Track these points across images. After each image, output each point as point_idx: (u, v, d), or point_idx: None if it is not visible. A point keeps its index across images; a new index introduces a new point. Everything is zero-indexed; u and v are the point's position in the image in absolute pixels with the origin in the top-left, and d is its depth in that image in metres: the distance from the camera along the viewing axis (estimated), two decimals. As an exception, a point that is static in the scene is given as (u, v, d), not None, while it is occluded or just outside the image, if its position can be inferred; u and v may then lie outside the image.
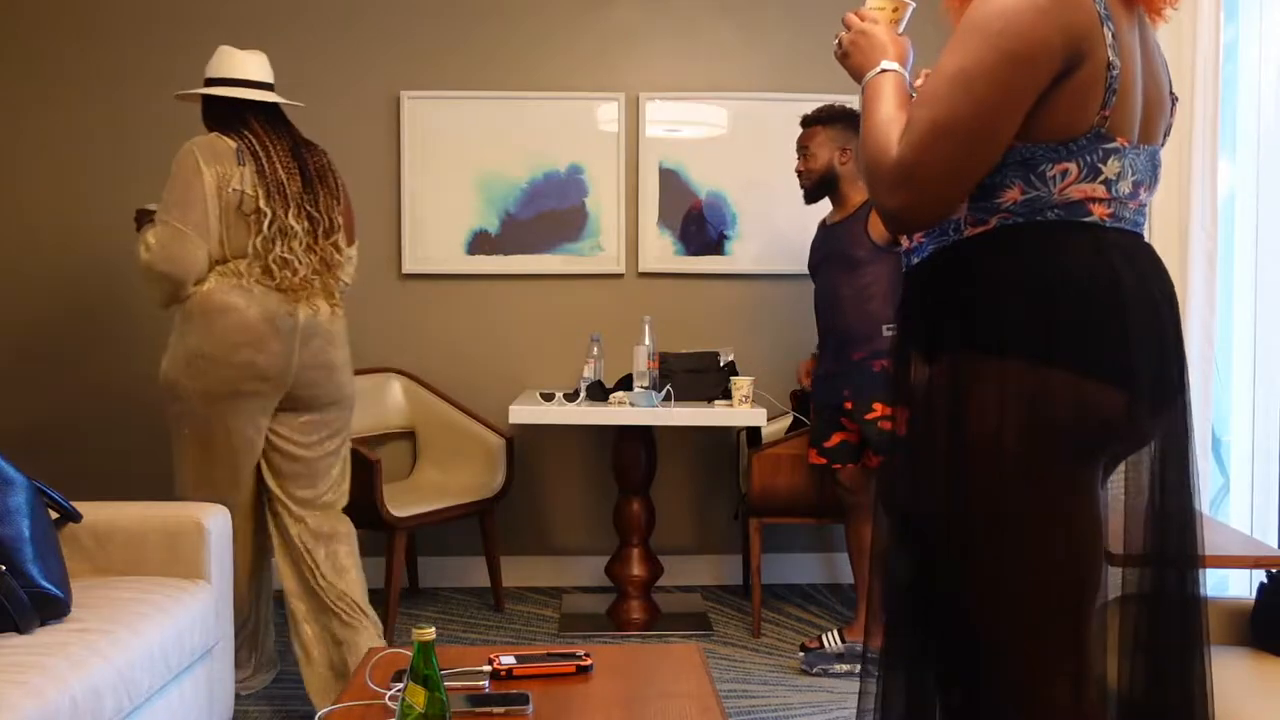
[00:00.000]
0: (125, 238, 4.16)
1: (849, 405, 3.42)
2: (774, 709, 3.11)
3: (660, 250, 4.26)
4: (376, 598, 3.96)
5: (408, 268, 4.23)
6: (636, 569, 3.84)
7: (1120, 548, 1.62)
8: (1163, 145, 1.62)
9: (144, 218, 2.96)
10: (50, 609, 2.22)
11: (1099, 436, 1.49)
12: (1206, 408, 3.16)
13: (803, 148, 3.55)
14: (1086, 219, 1.50)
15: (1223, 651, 2.08)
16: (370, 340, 4.23)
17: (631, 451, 3.82)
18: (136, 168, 4.18)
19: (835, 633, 3.49)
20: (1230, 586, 3.03)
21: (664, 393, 3.62)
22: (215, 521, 2.70)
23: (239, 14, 4.17)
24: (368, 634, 2.94)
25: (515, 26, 4.22)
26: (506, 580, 4.07)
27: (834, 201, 3.58)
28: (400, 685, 1.72)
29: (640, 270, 4.27)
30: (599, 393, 3.69)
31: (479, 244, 4.23)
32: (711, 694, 2.03)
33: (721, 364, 3.83)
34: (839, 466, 3.49)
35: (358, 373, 4.11)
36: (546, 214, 4.24)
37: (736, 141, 4.26)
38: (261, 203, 2.78)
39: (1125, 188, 1.52)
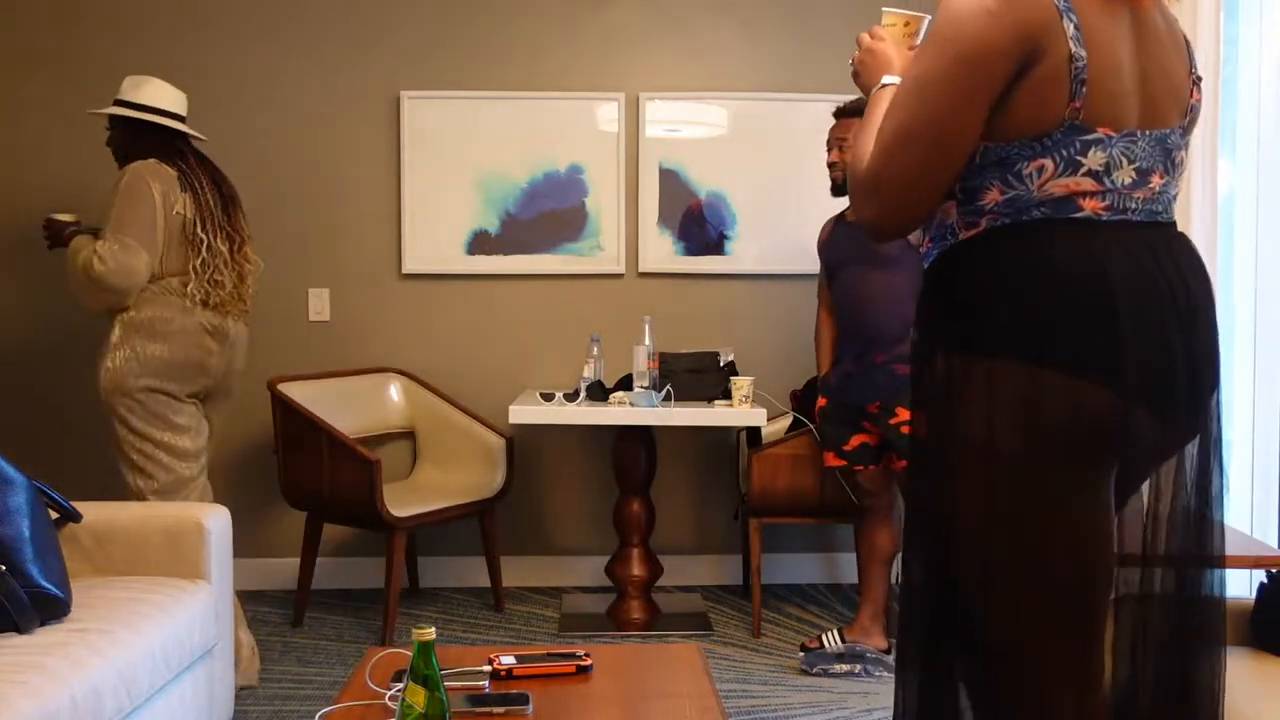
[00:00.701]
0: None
1: (873, 409, 3.40)
2: (774, 709, 3.11)
3: (660, 250, 4.26)
4: (376, 597, 3.97)
5: (408, 268, 4.23)
6: (636, 569, 3.83)
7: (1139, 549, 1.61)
8: (1185, 127, 1.58)
9: (62, 229, 3.26)
10: (50, 609, 2.22)
11: (1092, 437, 1.46)
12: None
13: (839, 140, 3.46)
14: (1076, 215, 1.48)
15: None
16: (370, 340, 4.24)
17: (631, 451, 3.82)
18: (136, 168, 4.18)
19: (835, 633, 3.49)
20: (1230, 586, 3.02)
21: (664, 393, 3.62)
22: (215, 521, 2.70)
23: (239, 14, 4.17)
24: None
25: (515, 26, 4.22)
26: (506, 580, 4.07)
27: None
28: (400, 685, 1.72)
29: (640, 270, 4.27)
30: (599, 393, 3.69)
31: (479, 244, 4.23)
32: (711, 694, 2.03)
33: (721, 364, 3.83)
34: (861, 469, 3.49)
35: (358, 373, 4.14)
36: (546, 214, 4.24)
37: (736, 141, 4.26)
38: (199, 229, 3.12)
39: (1124, 177, 1.50)
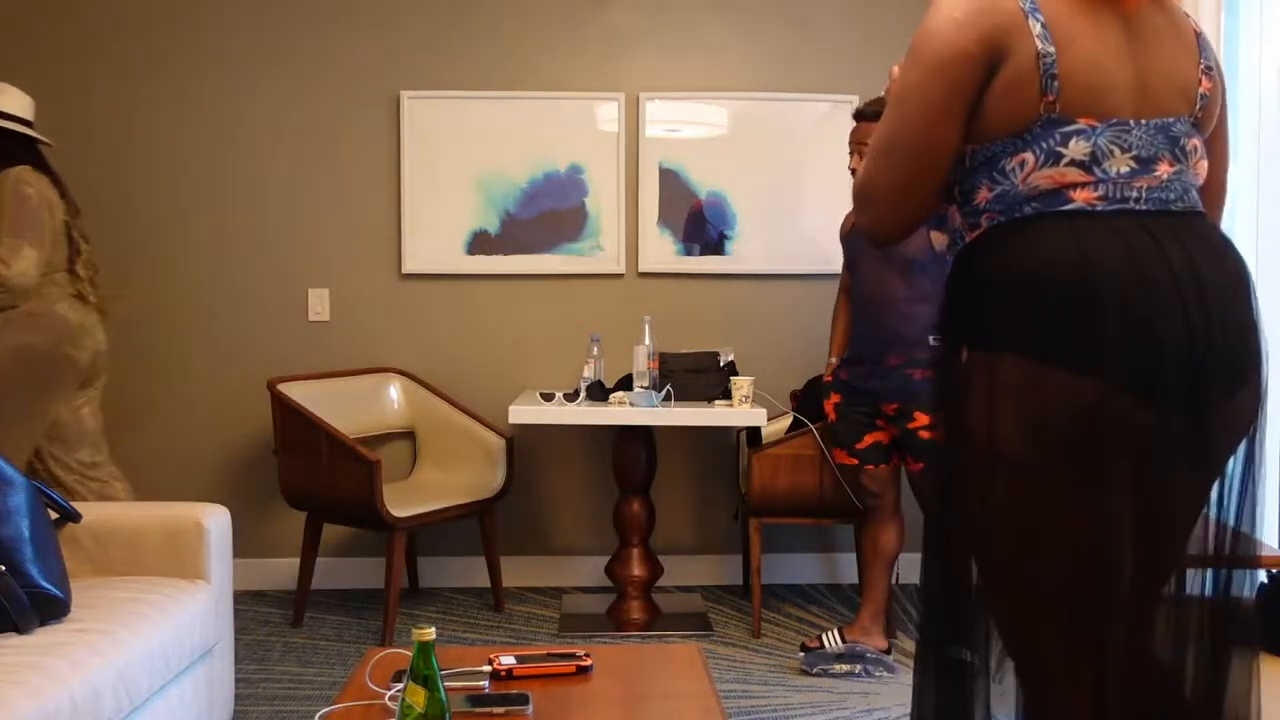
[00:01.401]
0: (124, 237, 4.18)
1: (890, 409, 3.39)
2: (774, 709, 3.11)
3: (660, 250, 4.26)
4: (376, 597, 3.97)
5: (408, 268, 4.23)
6: (636, 569, 3.83)
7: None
8: (1198, 117, 1.58)
9: None
10: (50, 609, 2.22)
11: (1088, 432, 1.45)
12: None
13: (859, 144, 3.41)
14: (1065, 207, 1.51)
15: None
16: (370, 340, 4.24)
17: (631, 451, 3.82)
18: (138, 169, 4.18)
19: (835, 632, 3.49)
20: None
21: (664, 393, 3.62)
22: (215, 521, 2.70)
23: (238, 15, 4.16)
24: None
25: (515, 26, 4.22)
26: (506, 580, 4.07)
27: None
28: (400, 685, 1.72)
29: (640, 270, 4.27)
30: (599, 393, 3.69)
31: (479, 244, 4.23)
32: (711, 694, 2.03)
33: (721, 364, 3.83)
34: (870, 468, 3.49)
35: (358, 373, 4.13)
36: (546, 214, 4.24)
37: (736, 141, 4.26)
38: (74, 230, 3.39)
39: (1119, 166, 1.50)
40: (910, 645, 3.63)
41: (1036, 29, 1.49)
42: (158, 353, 4.21)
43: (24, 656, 2.02)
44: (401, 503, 3.61)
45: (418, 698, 1.65)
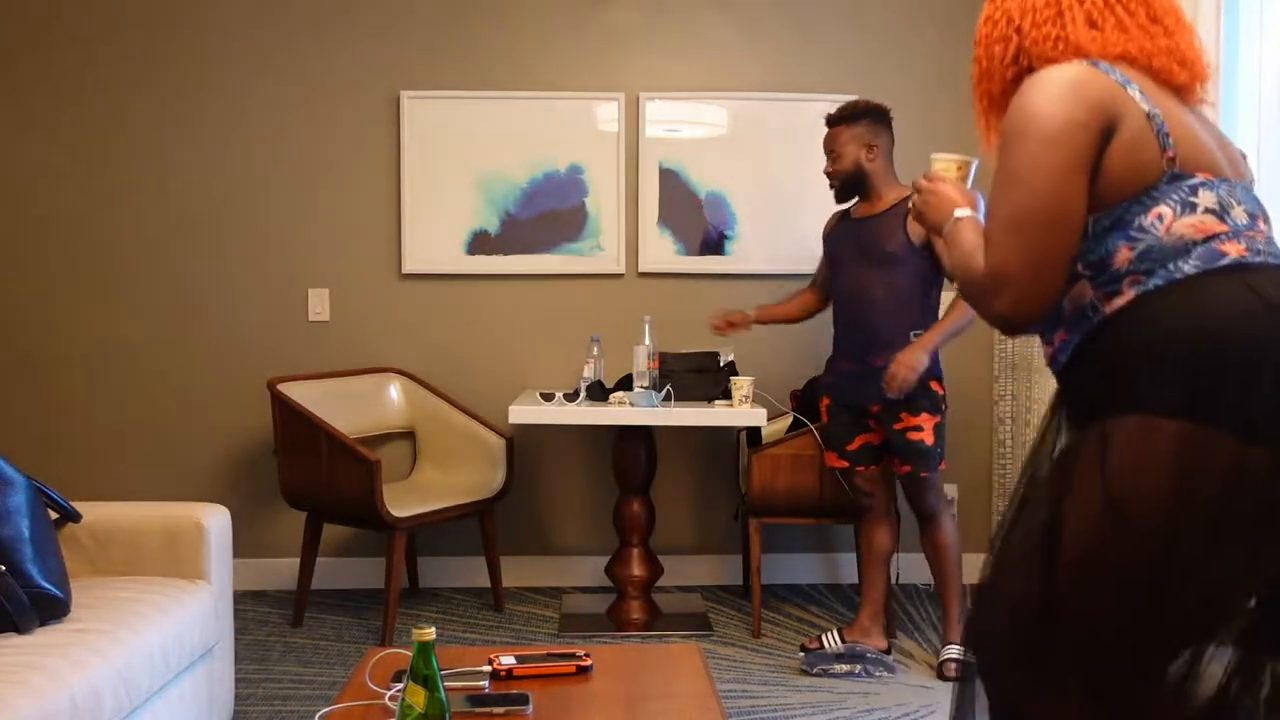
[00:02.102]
0: (125, 238, 4.18)
1: (875, 409, 3.40)
2: (774, 709, 3.11)
3: (660, 250, 4.26)
4: (376, 597, 3.97)
5: (408, 268, 4.23)
6: (636, 569, 3.83)
7: None
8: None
9: None
10: (50, 609, 2.22)
11: (1243, 495, 1.42)
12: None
13: (829, 150, 3.46)
14: (1224, 262, 1.50)
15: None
16: (370, 340, 4.23)
17: (631, 451, 3.82)
18: (138, 169, 4.18)
19: (835, 633, 3.49)
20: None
21: (664, 393, 3.62)
22: (215, 521, 2.70)
23: (238, 15, 4.16)
24: None
25: (515, 26, 4.22)
26: (506, 580, 4.07)
27: (864, 198, 3.50)
28: (400, 685, 1.72)
29: (640, 270, 4.27)
30: (599, 393, 3.69)
31: (479, 244, 4.23)
32: (711, 694, 2.03)
33: (721, 364, 3.83)
34: (861, 469, 3.49)
35: (358, 373, 4.13)
36: (546, 214, 4.24)
37: (736, 141, 4.26)
38: None
39: (1241, 217, 1.54)
40: (909, 645, 3.63)
41: (1136, 95, 1.55)
42: (158, 353, 4.21)
43: (24, 656, 2.02)
44: (401, 503, 3.61)
45: (418, 698, 1.65)
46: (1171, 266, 1.51)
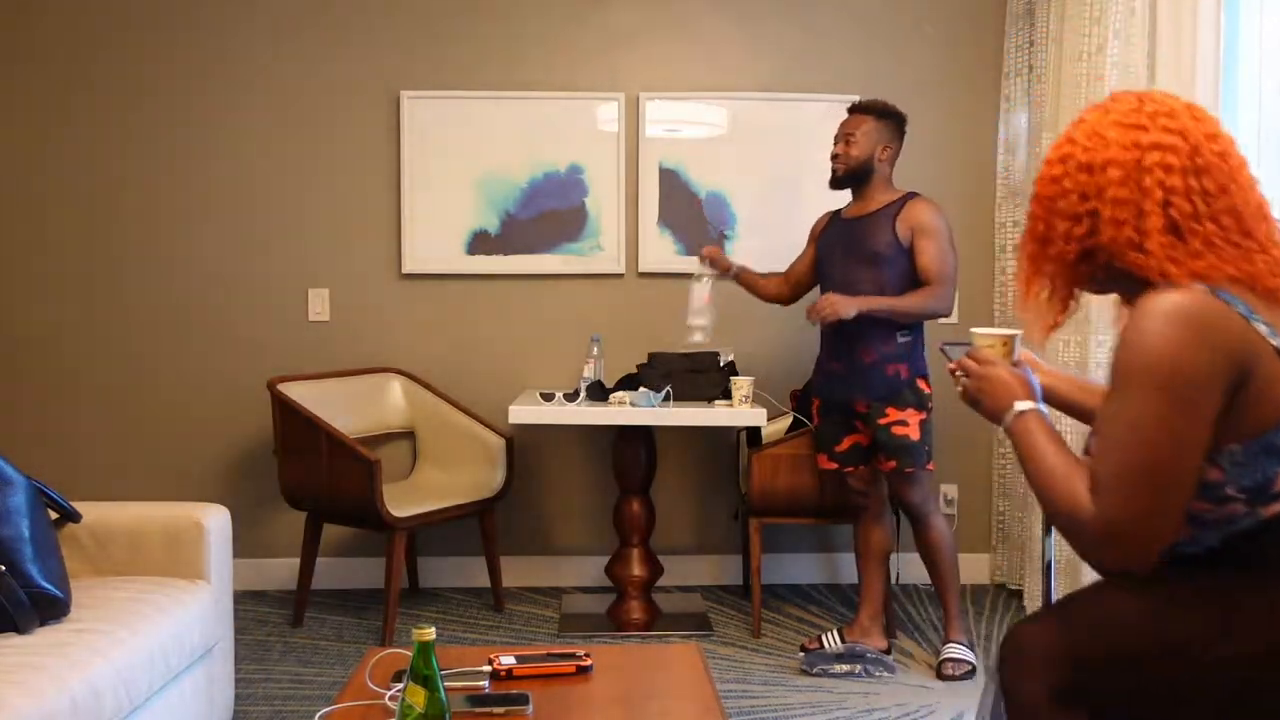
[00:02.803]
0: (125, 238, 4.18)
1: (861, 408, 3.41)
2: (774, 709, 3.11)
3: (660, 250, 4.26)
4: (376, 597, 3.97)
5: (408, 268, 4.23)
6: (636, 569, 3.83)
7: None
8: None
9: None
10: (50, 609, 2.22)
11: None
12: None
13: (848, 134, 3.42)
14: None
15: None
16: (370, 340, 4.23)
17: (631, 451, 3.82)
18: (138, 169, 4.18)
19: (835, 633, 3.49)
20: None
21: (664, 393, 3.61)
22: (215, 521, 2.70)
23: (238, 15, 4.16)
24: None
25: (515, 26, 4.22)
26: (506, 580, 4.07)
27: (856, 194, 3.51)
28: (400, 685, 1.72)
29: (640, 270, 4.27)
30: (599, 393, 3.69)
31: (479, 244, 4.23)
32: (711, 694, 2.03)
33: (721, 364, 3.83)
34: (851, 470, 3.49)
35: (358, 373, 4.13)
36: (546, 214, 4.24)
37: (736, 141, 4.25)
38: None
39: None
40: (909, 645, 3.63)
41: (1263, 329, 1.51)
42: (158, 353, 4.21)
43: (24, 656, 2.02)
44: (401, 503, 3.61)
45: (418, 698, 1.65)
46: None
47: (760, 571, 3.76)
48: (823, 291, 3.53)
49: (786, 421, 3.93)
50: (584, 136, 4.22)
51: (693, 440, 4.29)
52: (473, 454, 4.00)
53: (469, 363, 4.24)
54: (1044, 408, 1.70)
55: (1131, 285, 1.61)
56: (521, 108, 4.20)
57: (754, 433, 3.90)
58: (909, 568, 4.12)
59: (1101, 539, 1.52)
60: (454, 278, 4.24)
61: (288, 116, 4.20)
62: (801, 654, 3.46)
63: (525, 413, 3.56)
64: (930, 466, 3.42)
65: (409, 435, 4.21)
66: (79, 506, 2.62)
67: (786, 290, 3.78)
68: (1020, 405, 1.68)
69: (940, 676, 3.32)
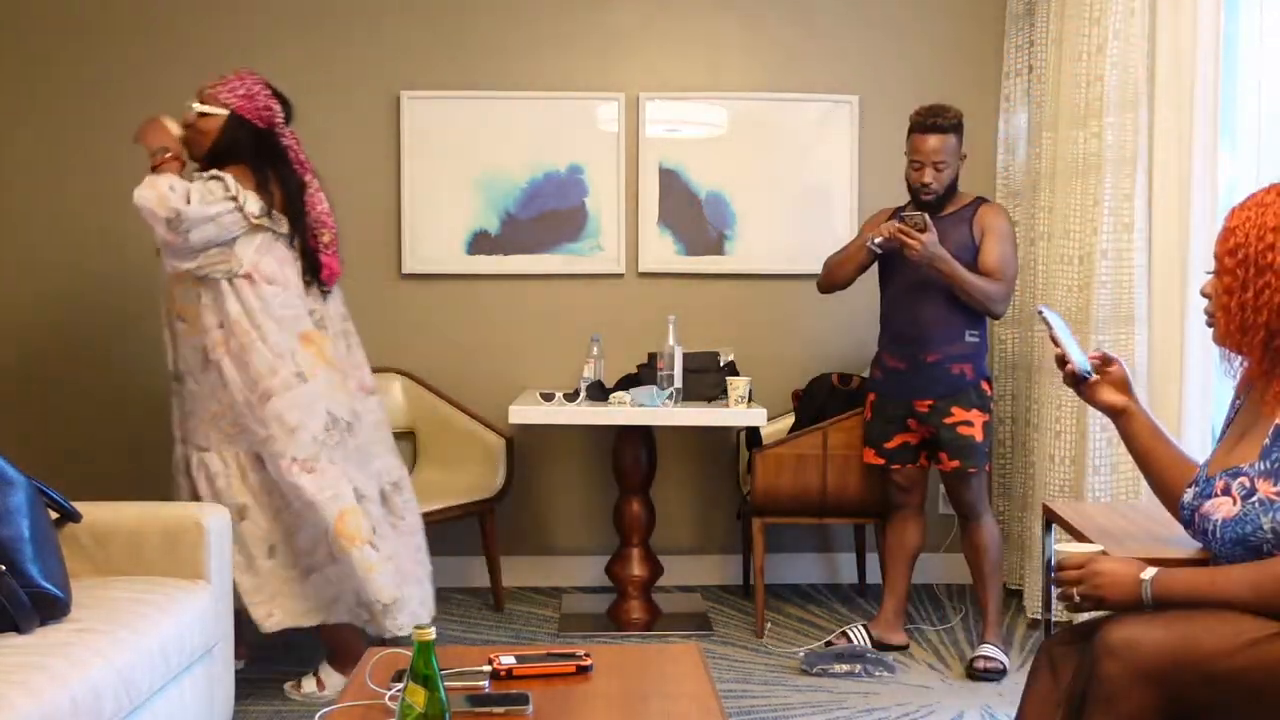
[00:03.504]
0: (126, 241, 4.17)
1: (923, 407, 3.40)
2: (774, 709, 3.11)
3: (660, 250, 4.26)
4: (376, 598, 3.96)
5: (408, 268, 4.23)
6: (636, 569, 3.83)
7: None
8: None
9: None
10: (50, 609, 2.22)
11: None
12: (1207, 402, 3.17)
13: (936, 162, 3.29)
14: None
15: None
16: (370, 340, 4.20)
17: (631, 451, 3.82)
18: (139, 170, 4.17)
19: (861, 628, 3.51)
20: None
21: (669, 391, 3.60)
22: (215, 521, 2.69)
23: (239, 15, 4.16)
24: None
25: (515, 26, 4.22)
26: (506, 580, 4.07)
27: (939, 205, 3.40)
28: (400, 685, 1.72)
29: (640, 270, 4.27)
30: (599, 393, 3.68)
31: (479, 244, 4.23)
32: (711, 694, 2.03)
33: (721, 364, 3.83)
34: (897, 467, 3.50)
35: (358, 373, 4.12)
36: (546, 214, 4.24)
37: (736, 141, 4.26)
38: None
39: None
40: (909, 644, 3.63)
41: None
42: (159, 352, 4.20)
43: (24, 656, 2.02)
44: (401, 503, 3.60)
45: (418, 698, 1.65)
46: None
47: (764, 571, 3.75)
48: (884, 288, 3.52)
49: (788, 422, 3.93)
50: (584, 136, 4.22)
51: (693, 440, 4.29)
52: (473, 454, 4.00)
53: (469, 363, 4.24)
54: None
55: None
56: (521, 108, 4.20)
57: (754, 433, 3.90)
58: (921, 568, 4.11)
59: None
60: (454, 278, 4.24)
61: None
62: (801, 654, 3.46)
63: (525, 413, 3.56)
64: (987, 468, 3.44)
65: (409, 435, 4.21)
66: (79, 506, 2.62)
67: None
68: (1145, 575, 1.74)
69: (970, 674, 3.32)
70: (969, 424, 3.36)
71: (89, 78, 4.16)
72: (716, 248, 4.27)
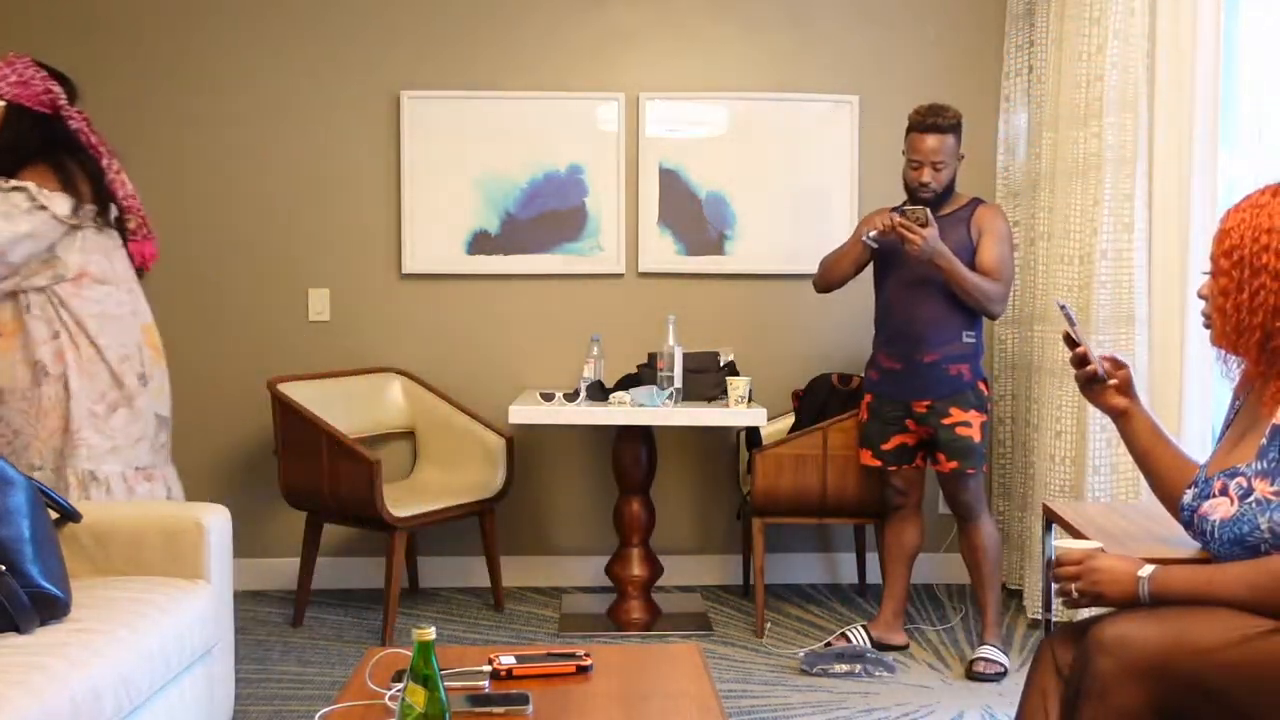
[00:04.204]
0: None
1: (921, 408, 3.40)
2: (774, 709, 3.11)
3: (660, 250, 4.26)
4: (376, 597, 3.97)
5: (408, 268, 4.23)
6: (636, 569, 3.83)
7: None
8: None
9: None
10: (50, 609, 2.21)
11: None
12: (1207, 402, 3.17)
13: (935, 161, 3.30)
14: None
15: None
16: (370, 340, 4.24)
17: (631, 451, 3.82)
18: (138, 170, 4.17)
19: (861, 629, 3.51)
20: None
21: (669, 391, 3.60)
22: (215, 521, 2.69)
23: (239, 15, 4.16)
24: None
25: (515, 26, 4.22)
26: (506, 580, 4.07)
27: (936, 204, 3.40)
28: (400, 685, 1.72)
29: (640, 270, 4.27)
30: (599, 393, 3.69)
31: (479, 244, 4.23)
32: (711, 694, 2.03)
33: (721, 364, 3.83)
34: (894, 469, 3.50)
35: (358, 373, 4.13)
36: (546, 214, 4.24)
37: (736, 141, 4.26)
38: None
39: None
40: (914, 646, 3.63)
41: None
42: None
43: (24, 656, 2.02)
44: (401, 503, 3.61)
45: (418, 698, 1.65)
46: None
47: (763, 571, 3.75)
48: (879, 288, 3.52)
49: (788, 422, 3.93)
50: (584, 136, 4.22)
51: (693, 440, 4.29)
52: (473, 454, 4.00)
53: (469, 363, 4.24)
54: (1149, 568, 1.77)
55: None
56: (521, 108, 4.21)
57: (754, 433, 3.90)
58: (920, 569, 4.11)
59: None
60: (454, 278, 4.24)
61: (288, 116, 4.20)
62: (801, 654, 3.46)
63: (525, 413, 3.56)
64: (985, 469, 3.44)
65: (409, 435, 4.21)
66: (79, 506, 2.62)
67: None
68: (1143, 572, 1.75)
69: (970, 675, 3.32)
70: (967, 424, 3.36)
71: (88, 79, 4.15)
72: (716, 248, 4.27)
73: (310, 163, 4.21)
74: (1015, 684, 2.95)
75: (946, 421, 3.36)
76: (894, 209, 3.39)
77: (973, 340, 3.39)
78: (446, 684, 1.70)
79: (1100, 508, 2.61)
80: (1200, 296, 1.89)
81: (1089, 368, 2.02)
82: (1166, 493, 2.00)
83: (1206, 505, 1.83)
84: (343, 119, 4.20)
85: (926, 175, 3.32)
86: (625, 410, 3.56)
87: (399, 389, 4.18)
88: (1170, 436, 2.03)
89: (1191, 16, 3.15)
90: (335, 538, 4.12)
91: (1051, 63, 3.85)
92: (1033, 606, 3.85)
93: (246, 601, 4.02)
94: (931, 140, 3.31)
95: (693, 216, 4.26)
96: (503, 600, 4.00)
